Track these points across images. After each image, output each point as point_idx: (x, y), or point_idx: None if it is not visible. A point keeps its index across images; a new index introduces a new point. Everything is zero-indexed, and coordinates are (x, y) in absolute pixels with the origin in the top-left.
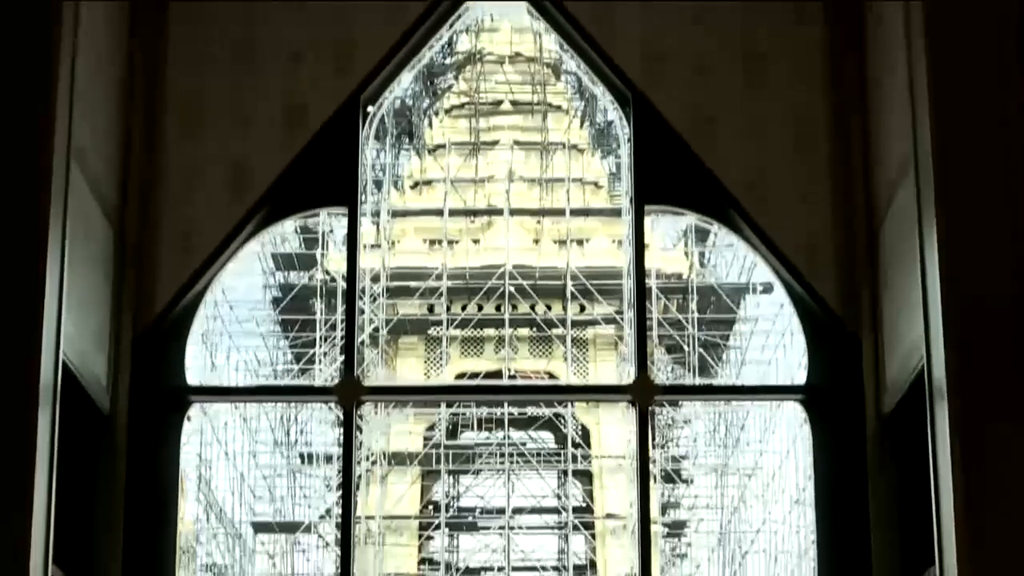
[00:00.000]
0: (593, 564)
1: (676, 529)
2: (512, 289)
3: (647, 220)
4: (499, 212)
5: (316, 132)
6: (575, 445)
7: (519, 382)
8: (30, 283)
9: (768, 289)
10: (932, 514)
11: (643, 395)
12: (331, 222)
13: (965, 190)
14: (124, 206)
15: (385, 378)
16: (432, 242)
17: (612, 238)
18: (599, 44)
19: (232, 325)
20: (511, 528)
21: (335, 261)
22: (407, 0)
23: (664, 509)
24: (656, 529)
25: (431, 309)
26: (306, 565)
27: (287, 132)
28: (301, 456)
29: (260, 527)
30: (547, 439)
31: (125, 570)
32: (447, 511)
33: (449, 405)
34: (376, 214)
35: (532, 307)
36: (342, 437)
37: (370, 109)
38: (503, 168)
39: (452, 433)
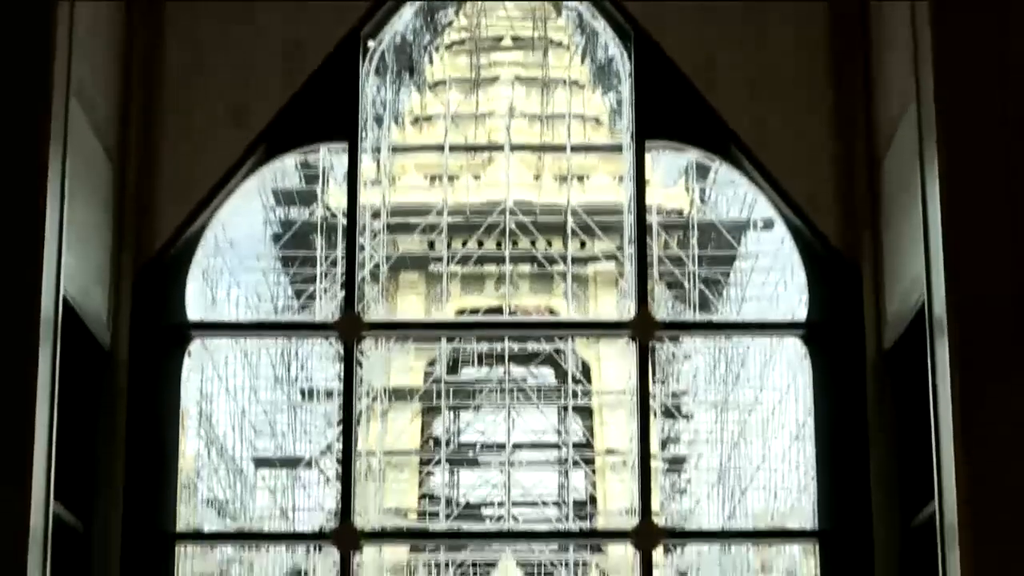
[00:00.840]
0: (593, 499)
1: (676, 464)
2: (513, 225)
3: (648, 156)
4: (500, 148)
5: (316, 67)
6: (575, 381)
7: (519, 318)
8: (31, 219)
9: (768, 225)
10: (932, 450)
11: (643, 330)
12: (331, 158)
13: (967, 125)
14: (124, 142)
15: (386, 314)
16: (432, 178)
17: (613, 174)
18: None
19: (233, 261)
20: (511, 463)
21: (335, 197)
22: None
23: (664, 444)
24: (656, 464)
25: (432, 245)
26: (307, 500)
27: (287, 67)
28: (302, 392)
29: (261, 462)
30: (547, 375)
31: (126, 505)
32: (447, 447)
33: (449, 341)
34: (377, 150)
35: (533, 243)
36: (342, 372)
37: (371, 44)
38: (504, 104)
39: (452, 369)
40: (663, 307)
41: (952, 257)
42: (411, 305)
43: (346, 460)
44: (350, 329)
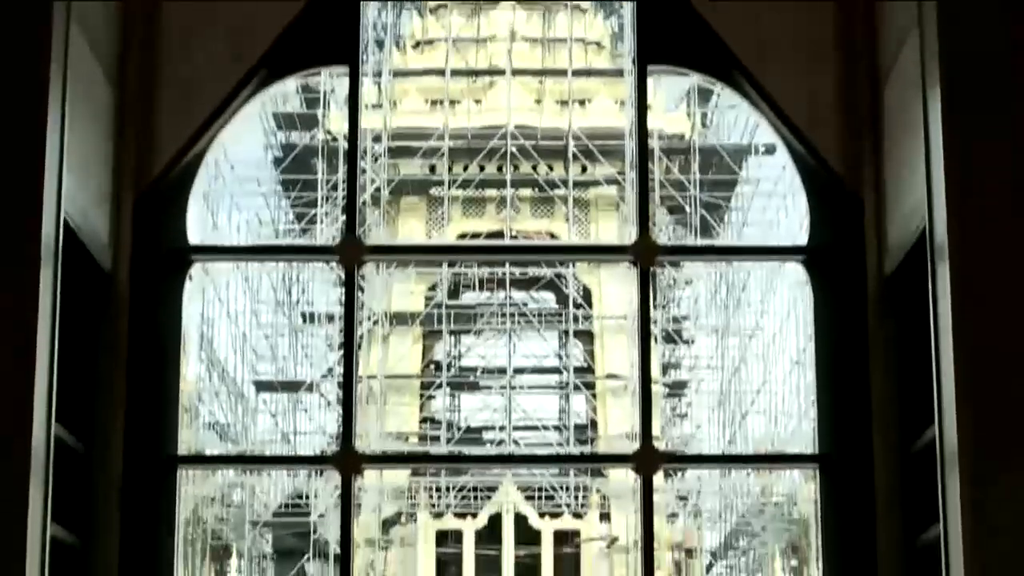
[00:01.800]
0: (594, 423)
1: (677, 389)
2: (514, 149)
3: (649, 80)
4: (501, 72)
5: None
6: (576, 305)
7: (521, 242)
8: (31, 142)
9: (770, 150)
10: (932, 375)
11: (645, 255)
12: (332, 82)
13: (969, 50)
14: (124, 65)
15: (387, 238)
16: (433, 102)
17: (614, 99)
18: None
19: (233, 185)
20: (512, 388)
21: (336, 121)
22: None
23: (665, 369)
24: (657, 389)
25: (433, 169)
26: (308, 424)
27: None
28: (303, 315)
29: (262, 386)
30: (548, 299)
31: (127, 428)
32: (448, 371)
33: (451, 265)
34: (378, 74)
35: (534, 167)
36: (343, 297)
37: None
38: (505, 28)
39: (453, 293)
40: (664, 232)
41: (953, 183)
42: (412, 229)
43: (347, 384)
44: (351, 253)
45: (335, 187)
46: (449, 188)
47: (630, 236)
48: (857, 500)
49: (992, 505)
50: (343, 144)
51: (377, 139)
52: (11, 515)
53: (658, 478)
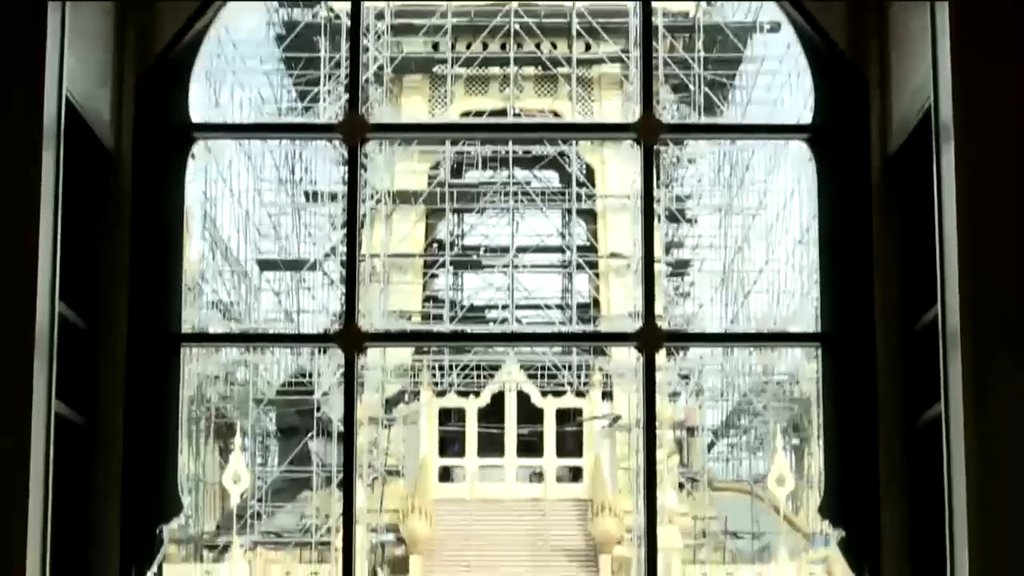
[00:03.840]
0: (596, 302)
1: (680, 268)
2: (517, 27)
3: None
4: None
5: None
6: (579, 184)
7: (524, 120)
8: (32, 20)
9: (775, 28)
10: (935, 254)
11: (648, 133)
12: None
13: None
14: None
15: (390, 116)
16: None
17: None
18: None
19: (236, 63)
20: (515, 266)
21: None
22: None
23: (668, 248)
24: (660, 268)
25: (436, 47)
26: (311, 302)
27: None
28: (306, 194)
29: (266, 265)
30: (552, 178)
31: (131, 306)
32: (451, 249)
33: (454, 143)
34: None
35: (537, 45)
36: (346, 175)
37: None
38: None
39: (457, 172)
40: (668, 111)
41: (959, 61)
42: (415, 107)
43: (350, 262)
44: (354, 131)
45: (338, 65)
46: (452, 66)
47: (634, 114)
48: (859, 379)
49: (993, 384)
50: (346, 21)
51: (380, 16)
52: (16, 393)
53: (660, 357)
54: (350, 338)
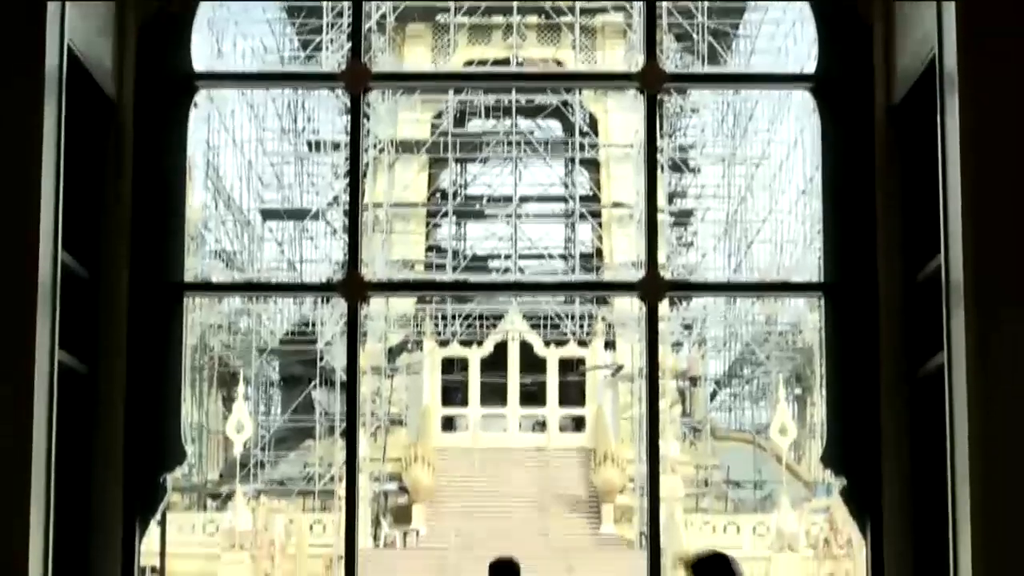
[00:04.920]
0: (599, 252)
1: (683, 218)
2: None
3: None
4: None
5: None
6: (583, 134)
7: (527, 69)
8: None
9: None
10: (939, 204)
11: (652, 82)
12: None
13: None
14: None
15: (393, 65)
16: None
17: None
18: None
19: (238, 12)
20: (518, 216)
21: None
22: None
23: (671, 198)
24: (663, 218)
25: None
26: (314, 252)
27: None
28: (308, 143)
29: (268, 214)
30: (555, 127)
31: (134, 256)
32: (454, 199)
33: (457, 92)
34: None
35: None
36: (349, 124)
37: None
38: None
39: (460, 121)
40: (672, 60)
41: (964, 10)
42: (418, 56)
43: (353, 211)
44: (356, 80)
45: (340, 14)
46: (455, 15)
47: (637, 63)
48: (861, 329)
49: (996, 335)
50: None
51: None
52: (19, 342)
53: (663, 306)
54: (353, 287)
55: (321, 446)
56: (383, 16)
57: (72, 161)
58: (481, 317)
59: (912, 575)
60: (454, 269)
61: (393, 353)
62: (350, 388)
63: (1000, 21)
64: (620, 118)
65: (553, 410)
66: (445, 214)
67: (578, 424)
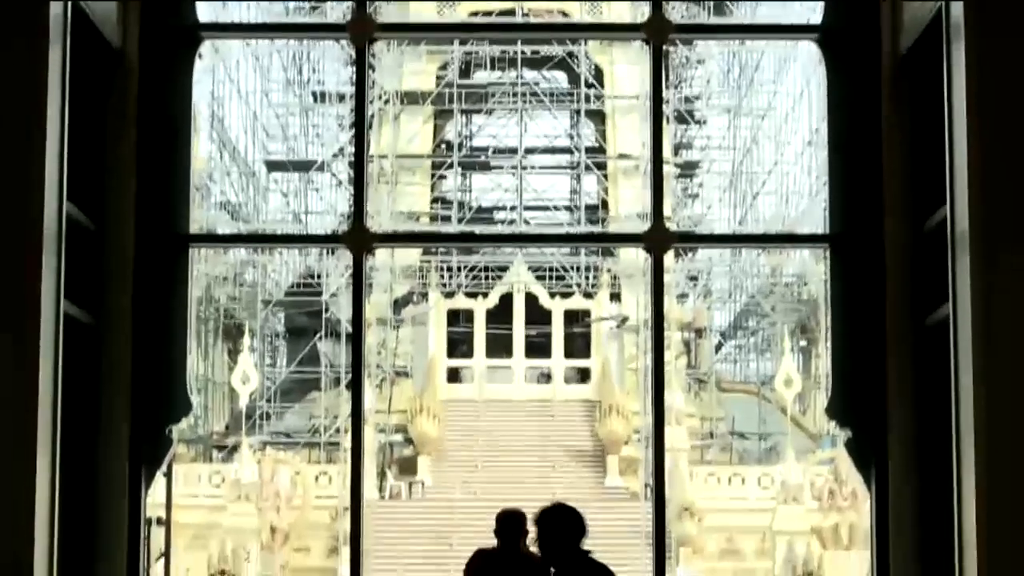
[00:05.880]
0: (605, 204)
1: (688, 170)
2: None
3: None
4: None
5: None
6: (588, 85)
7: (533, 20)
8: None
9: None
10: (945, 155)
11: (658, 33)
12: None
13: None
14: None
15: (398, 16)
16: None
17: None
18: None
19: None
20: (523, 168)
21: None
22: None
23: (677, 149)
24: (668, 170)
25: None
26: (319, 203)
27: None
28: (314, 95)
29: (273, 165)
30: (560, 79)
31: (139, 207)
32: (459, 150)
33: (462, 44)
34: None
35: None
36: (354, 75)
37: None
38: None
39: (465, 72)
40: (678, 11)
41: None
42: (423, 7)
43: (358, 163)
44: (361, 30)
45: None
46: None
47: (643, 14)
48: (867, 280)
49: (1001, 285)
50: None
51: None
52: (25, 293)
53: (669, 258)
54: (358, 239)
55: (327, 398)
56: None
57: (77, 112)
58: (486, 269)
59: (916, 526)
60: (460, 221)
61: (398, 305)
62: (356, 340)
63: None
64: (626, 69)
65: (558, 362)
66: (450, 165)
67: (583, 376)
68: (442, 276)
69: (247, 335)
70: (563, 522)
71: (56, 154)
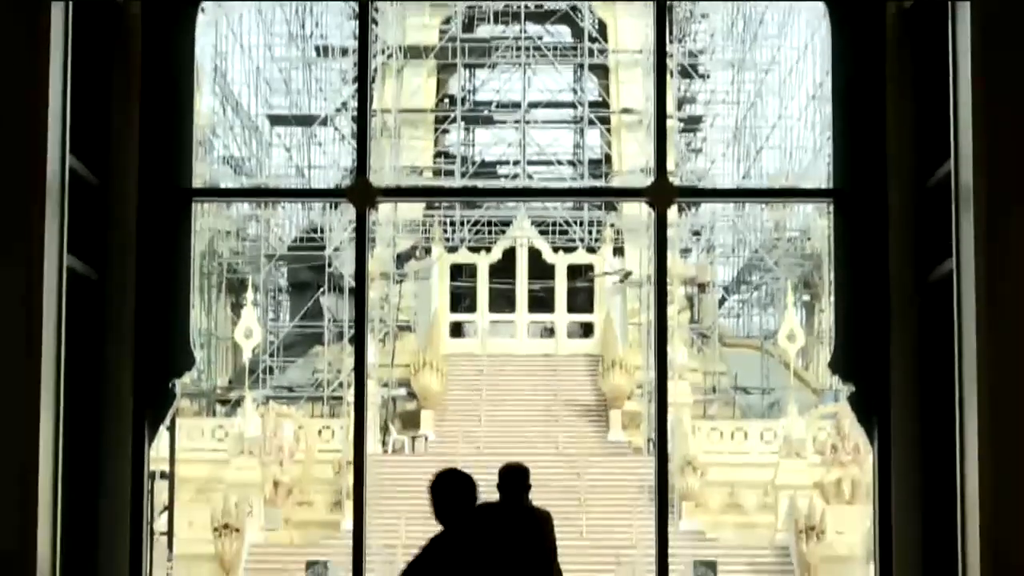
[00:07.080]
0: (608, 158)
1: (692, 124)
2: None
3: None
4: None
5: None
6: (592, 39)
7: None
8: None
9: None
10: (949, 110)
11: None
12: None
13: None
14: None
15: None
16: None
17: None
18: None
19: None
20: (527, 122)
21: None
22: None
23: (680, 104)
24: (672, 124)
25: None
26: (322, 158)
27: None
28: (316, 49)
29: (276, 120)
30: (564, 33)
31: (142, 161)
32: (463, 105)
33: None
34: None
35: None
36: (357, 29)
37: None
38: None
39: (468, 26)
40: None
41: None
42: None
43: (361, 117)
44: None
45: None
46: None
47: None
48: (871, 235)
49: (1005, 241)
50: None
51: None
52: (28, 247)
53: (672, 212)
54: (362, 193)
55: (330, 352)
56: None
57: (80, 68)
58: (490, 223)
59: (919, 481)
60: (463, 175)
61: (402, 259)
62: (359, 294)
63: None
64: (629, 23)
65: (561, 316)
66: (454, 120)
67: (586, 330)
68: (445, 230)
69: (250, 289)
70: (456, 486)
71: (59, 109)
